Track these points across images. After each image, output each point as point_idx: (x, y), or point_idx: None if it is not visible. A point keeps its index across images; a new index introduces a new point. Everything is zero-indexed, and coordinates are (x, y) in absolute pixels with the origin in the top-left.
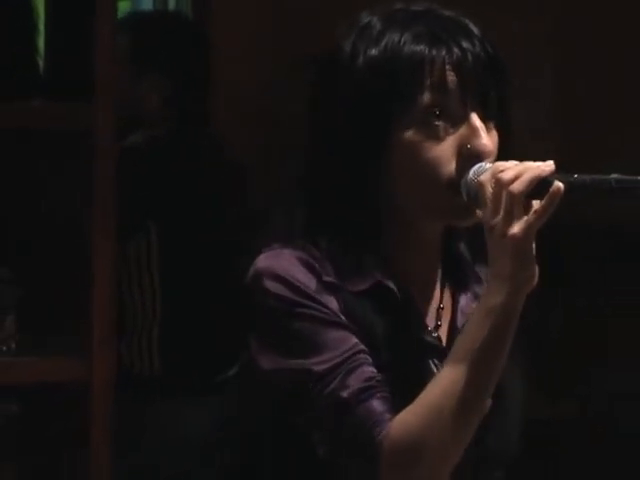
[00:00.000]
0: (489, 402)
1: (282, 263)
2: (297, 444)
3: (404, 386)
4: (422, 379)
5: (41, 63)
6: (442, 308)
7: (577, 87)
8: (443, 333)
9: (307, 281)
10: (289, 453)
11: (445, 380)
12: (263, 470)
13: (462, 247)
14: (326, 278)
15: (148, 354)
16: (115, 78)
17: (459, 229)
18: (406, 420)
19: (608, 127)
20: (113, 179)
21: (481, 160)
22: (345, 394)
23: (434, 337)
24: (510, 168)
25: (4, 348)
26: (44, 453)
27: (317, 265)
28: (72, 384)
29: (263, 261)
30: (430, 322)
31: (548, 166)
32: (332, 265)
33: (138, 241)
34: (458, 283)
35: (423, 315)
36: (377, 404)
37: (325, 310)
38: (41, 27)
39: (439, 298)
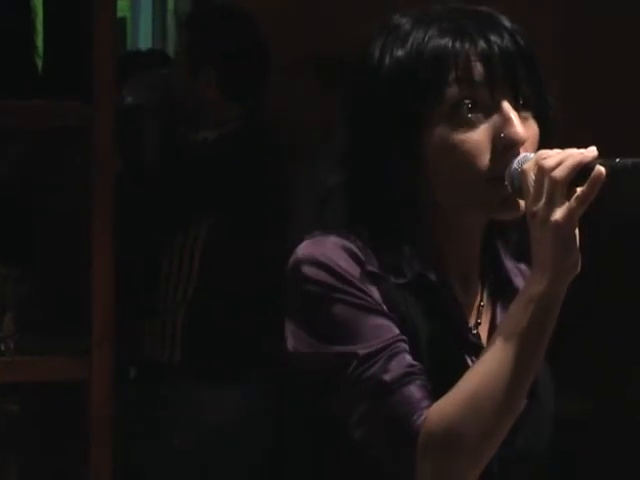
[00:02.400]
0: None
1: (324, 250)
2: (330, 430)
3: (441, 381)
4: (459, 376)
5: (40, 63)
6: (482, 306)
7: (582, 88)
8: (483, 331)
9: (350, 269)
10: (321, 439)
11: (484, 368)
12: (294, 456)
13: (500, 246)
14: (369, 268)
15: (171, 338)
16: (114, 76)
17: (500, 227)
18: (444, 408)
19: (612, 128)
20: (112, 178)
21: (516, 148)
22: (387, 377)
23: (474, 334)
24: (552, 155)
25: (2, 347)
26: (44, 452)
27: (361, 254)
28: (71, 383)
29: (305, 249)
30: (471, 319)
31: (591, 152)
32: (374, 256)
33: (187, 231)
34: (498, 281)
35: (464, 312)
36: (416, 390)
37: (367, 298)
38: (39, 27)
39: (479, 296)
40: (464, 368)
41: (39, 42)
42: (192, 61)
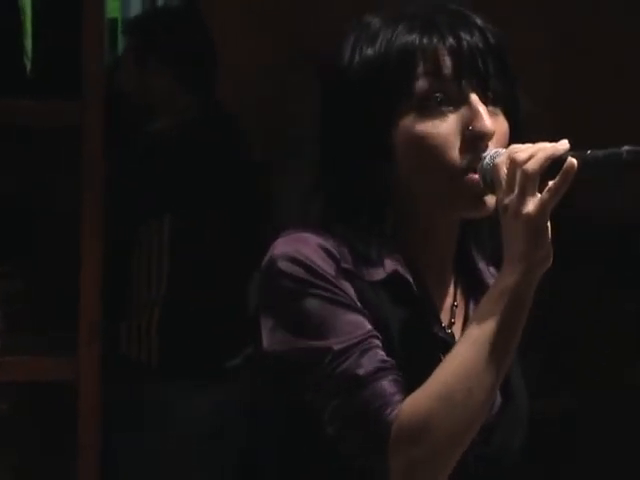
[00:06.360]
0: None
1: (300, 247)
2: (302, 428)
3: (413, 379)
4: (431, 373)
5: (28, 63)
6: (456, 306)
7: (575, 89)
8: (457, 331)
9: (325, 266)
10: (294, 438)
11: (457, 361)
12: (267, 455)
13: (474, 249)
14: (344, 265)
15: (147, 339)
16: (102, 76)
17: (473, 230)
18: (416, 401)
19: (605, 128)
20: (102, 179)
21: (484, 140)
22: (360, 371)
23: (447, 333)
24: (524, 149)
25: None
26: (33, 451)
27: (336, 252)
28: (59, 383)
29: (280, 246)
30: (444, 319)
31: (562, 145)
32: (349, 253)
33: (152, 227)
34: (471, 283)
35: (438, 310)
36: (389, 385)
37: (342, 294)
38: (28, 27)
39: (453, 296)
40: (437, 366)
41: (27, 43)
42: (141, 58)
